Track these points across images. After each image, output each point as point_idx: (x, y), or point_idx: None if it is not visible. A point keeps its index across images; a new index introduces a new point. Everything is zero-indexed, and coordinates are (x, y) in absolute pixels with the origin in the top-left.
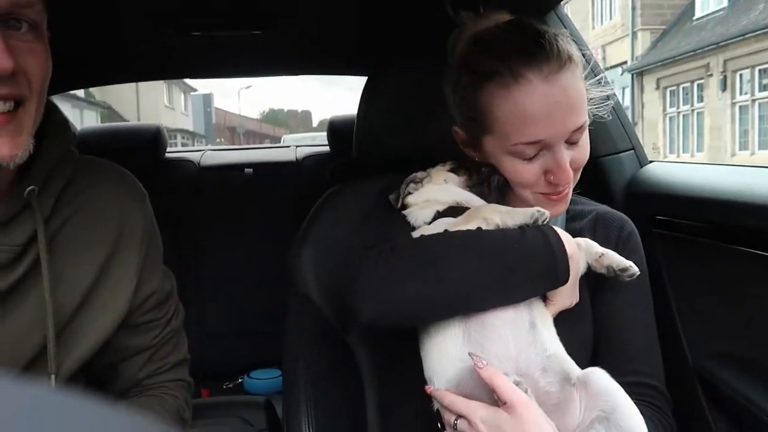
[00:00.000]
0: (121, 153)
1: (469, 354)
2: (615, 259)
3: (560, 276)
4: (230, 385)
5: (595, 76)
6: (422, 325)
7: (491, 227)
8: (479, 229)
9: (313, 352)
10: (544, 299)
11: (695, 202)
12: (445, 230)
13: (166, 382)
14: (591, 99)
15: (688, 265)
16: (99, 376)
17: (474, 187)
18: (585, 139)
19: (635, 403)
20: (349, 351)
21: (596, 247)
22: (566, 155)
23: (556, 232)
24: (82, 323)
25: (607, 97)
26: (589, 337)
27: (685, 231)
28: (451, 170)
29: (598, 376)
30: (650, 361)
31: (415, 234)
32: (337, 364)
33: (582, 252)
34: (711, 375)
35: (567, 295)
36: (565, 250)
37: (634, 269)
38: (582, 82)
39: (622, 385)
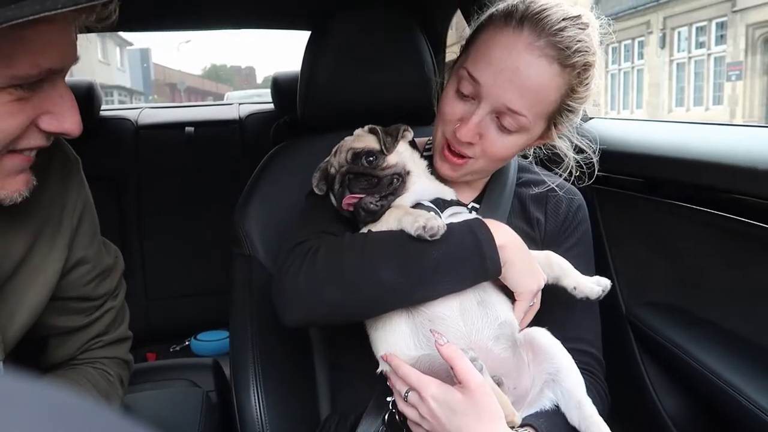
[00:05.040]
0: None
1: (431, 330)
2: (587, 291)
3: (490, 272)
4: (177, 348)
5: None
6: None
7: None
8: None
9: (259, 312)
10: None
11: (631, 157)
12: (369, 230)
13: (100, 358)
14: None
15: (623, 219)
16: (28, 352)
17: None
18: (510, 140)
19: None
20: None
21: (568, 279)
22: (484, 124)
23: (485, 227)
24: (18, 292)
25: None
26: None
27: (622, 185)
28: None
29: (541, 335)
30: (590, 330)
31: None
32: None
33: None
34: (642, 321)
35: (529, 287)
36: (495, 246)
37: (605, 290)
38: (556, 91)
39: None
